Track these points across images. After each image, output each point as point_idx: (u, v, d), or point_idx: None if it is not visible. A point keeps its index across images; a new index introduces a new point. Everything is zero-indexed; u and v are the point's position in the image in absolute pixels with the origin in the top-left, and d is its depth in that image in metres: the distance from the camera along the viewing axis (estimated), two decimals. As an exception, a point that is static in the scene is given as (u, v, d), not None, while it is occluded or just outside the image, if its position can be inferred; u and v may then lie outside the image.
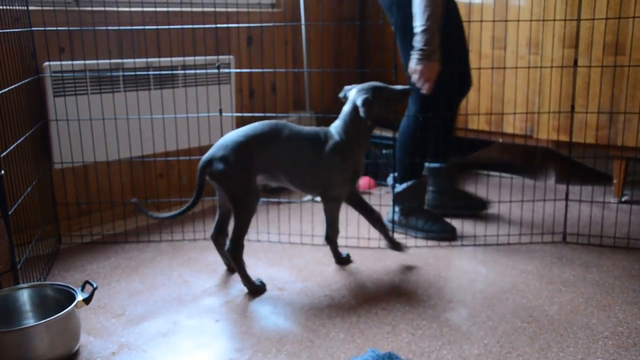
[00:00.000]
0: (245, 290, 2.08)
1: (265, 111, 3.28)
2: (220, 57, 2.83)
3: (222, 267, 2.28)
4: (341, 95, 2.24)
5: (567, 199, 2.55)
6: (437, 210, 2.72)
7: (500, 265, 2.27)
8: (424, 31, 2.26)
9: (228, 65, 2.86)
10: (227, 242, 2.10)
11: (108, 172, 2.66)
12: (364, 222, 2.65)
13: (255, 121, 3.18)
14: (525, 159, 3.48)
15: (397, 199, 2.55)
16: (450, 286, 2.10)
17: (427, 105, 2.49)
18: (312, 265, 2.30)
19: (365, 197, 3.07)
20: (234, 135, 2.08)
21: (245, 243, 2.49)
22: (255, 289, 2.08)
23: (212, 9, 2.86)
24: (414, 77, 2.35)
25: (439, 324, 1.84)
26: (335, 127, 2.17)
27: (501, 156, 3.57)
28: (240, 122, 3.10)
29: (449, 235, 2.52)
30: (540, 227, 2.63)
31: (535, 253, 2.38)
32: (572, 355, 1.66)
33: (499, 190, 3.07)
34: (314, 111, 3.53)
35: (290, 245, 2.50)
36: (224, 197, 2.14)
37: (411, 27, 2.32)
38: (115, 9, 2.61)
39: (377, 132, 3.38)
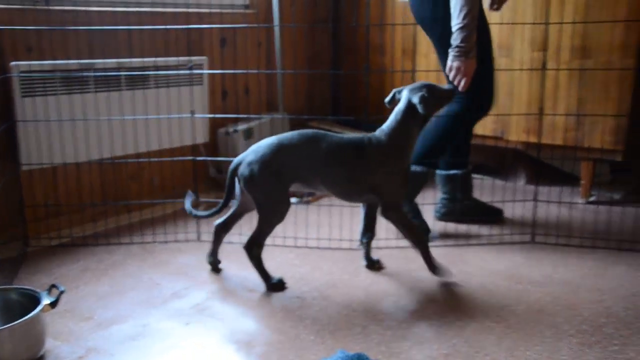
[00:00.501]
0: (215, 291, 2.08)
1: (238, 112, 3.27)
2: (193, 58, 2.82)
3: (193, 270, 2.27)
4: (387, 100, 2.21)
5: (535, 199, 2.59)
6: (448, 218, 2.76)
7: (470, 266, 2.29)
8: (461, 28, 2.27)
9: (201, 67, 2.85)
10: (246, 242, 2.11)
11: (77, 174, 2.63)
12: (335, 223, 2.66)
13: (227, 122, 3.20)
14: (496, 160, 3.53)
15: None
16: (421, 287, 2.12)
17: (476, 114, 2.57)
18: (284, 267, 2.30)
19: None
20: (269, 141, 2.06)
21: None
22: (274, 286, 2.09)
23: (185, 10, 2.85)
24: (451, 75, 2.35)
25: (409, 324, 1.86)
26: (382, 131, 2.13)
27: (473, 157, 3.60)
28: (213, 124, 3.10)
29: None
30: (509, 228, 2.67)
31: (505, 253, 2.41)
32: (538, 353, 1.69)
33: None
34: (287, 113, 3.53)
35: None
36: (246, 199, 2.13)
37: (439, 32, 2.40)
38: (85, 8, 2.58)
39: (347, 132, 3.40)
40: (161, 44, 2.79)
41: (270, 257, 2.38)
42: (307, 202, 3.06)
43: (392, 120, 2.12)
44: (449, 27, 2.32)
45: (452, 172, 2.73)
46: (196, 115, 2.60)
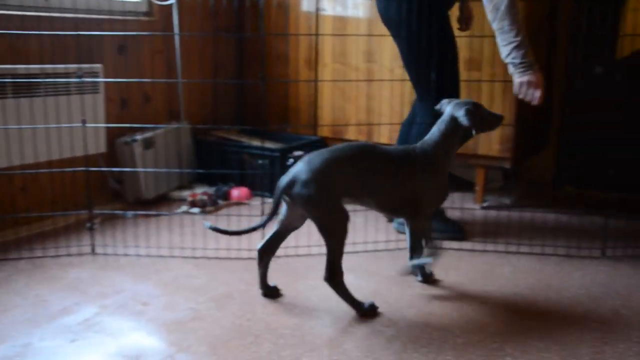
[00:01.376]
0: (106, 306, 2.01)
1: (139, 122, 3.20)
2: (84, 65, 2.72)
3: (85, 284, 2.19)
4: (437, 107, 2.22)
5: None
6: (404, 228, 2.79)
7: (366, 272, 2.34)
8: (518, 46, 2.29)
9: (97, 75, 2.77)
10: (325, 273, 1.97)
11: (-40, 187, 2.49)
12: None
13: (127, 132, 3.12)
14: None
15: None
16: (317, 294, 2.14)
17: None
18: (180, 278, 2.26)
19: (243, 208, 3.08)
20: (319, 157, 1.97)
21: (111, 258, 2.44)
22: (366, 312, 1.99)
23: (84, 16, 2.76)
24: (523, 91, 2.36)
25: (303, 332, 1.87)
26: (425, 142, 2.12)
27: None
28: (111, 133, 3.02)
29: (459, 236, 2.66)
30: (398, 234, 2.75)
31: (400, 259, 2.47)
32: (425, 354, 1.74)
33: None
34: (189, 122, 3.48)
35: (159, 259, 2.44)
36: (293, 216, 2.05)
37: (416, 42, 2.45)
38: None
39: (254, 142, 3.40)
40: (56, 51, 2.69)
41: (167, 269, 2.34)
42: (208, 212, 3.03)
43: (434, 133, 2.13)
44: (415, 28, 2.38)
45: None
46: (88, 125, 2.52)
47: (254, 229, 2.05)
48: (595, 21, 2.52)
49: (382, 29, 2.90)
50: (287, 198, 1.98)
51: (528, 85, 2.36)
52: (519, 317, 1.98)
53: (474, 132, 2.08)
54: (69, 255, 2.46)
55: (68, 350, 1.75)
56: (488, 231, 2.77)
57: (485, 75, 2.92)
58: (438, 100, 2.53)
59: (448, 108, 2.15)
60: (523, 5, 2.80)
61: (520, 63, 2.33)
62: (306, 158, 1.99)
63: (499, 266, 2.41)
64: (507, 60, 2.36)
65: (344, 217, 1.96)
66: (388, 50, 3.18)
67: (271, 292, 2.14)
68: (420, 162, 2.09)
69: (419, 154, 2.10)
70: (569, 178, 3.39)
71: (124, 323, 1.92)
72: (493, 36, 2.80)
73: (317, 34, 2.51)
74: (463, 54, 2.93)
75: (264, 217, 2.02)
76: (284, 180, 1.96)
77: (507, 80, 2.86)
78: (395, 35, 2.61)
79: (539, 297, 2.13)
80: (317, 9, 2.67)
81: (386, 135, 3.28)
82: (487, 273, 2.34)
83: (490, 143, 2.99)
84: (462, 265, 2.41)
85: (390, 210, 2.17)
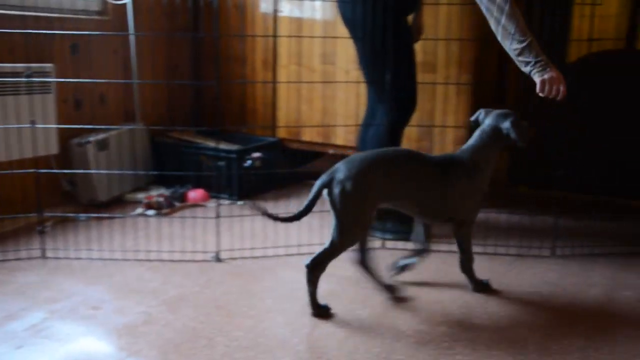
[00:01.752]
0: (55, 311, 1.97)
1: (94, 123, 3.14)
2: (38, 65, 2.67)
3: (33, 289, 2.14)
4: (473, 118, 2.20)
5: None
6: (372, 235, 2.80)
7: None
8: (528, 47, 2.25)
9: (48, 74, 2.71)
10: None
11: None
12: (189, 235, 2.63)
13: (83, 133, 3.06)
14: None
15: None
16: (271, 296, 2.14)
17: (398, 116, 2.60)
18: (133, 282, 2.23)
19: (199, 210, 3.06)
20: (359, 158, 1.99)
21: (62, 262, 2.39)
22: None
23: (33, 14, 2.69)
24: (547, 89, 2.28)
25: (256, 334, 1.87)
26: (465, 151, 2.13)
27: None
28: (65, 135, 2.95)
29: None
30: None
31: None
32: (377, 355, 1.76)
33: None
34: (146, 123, 3.44)
35: (112, 262, 2.41)
36: None
37: (372, 43, 2.49)
38: None
39: (211, 144, 3.38)
40: (2, 49, 2.62)
41: (120, 272, 2.31)
42: (164, 215, 2.99)
43: (475, 141, 2.14)
44: (372, 30, 2.41)
45: None
46: (37, 126, 2.46)
47: (291, 219, 2.04)
48: (545, 28, 2.59)
49: (339, 31, 2.92)
50: (326, 197, 1.99)
51: (550, 81, 2.29)
52: (470, 315, 2.01)
53: (520, 143, 2.10)
54: (18, 259, 2.40)
55: (13, 357, 1.71)
56: (441, 232, 2.80)
57: (439, 77, 2.96)
58: (395, 102, 2.56)
59: (488, 119, 2.16)
60: (479, 11, 2.86)
61: (536, 63, 2.29)
62: (348, 158, 2.01)
63: (452, 266, 2.44)
64: (525, 67, 2.31)
65: (365, 225, 1.98)
66: (344, 52, 3.20)
67: (395, 296, 2.14)
68: (460, 171, 2.10)
69: (460, 163, 2.12)
70: (522, 178, 3.46)
71: (73, 328, 1.88)
72: (446, 39, 2.85)
73: (274, 36, 2.51)
74: (418, 57, 2.97)
75: (301, 209, 2.01)
76: (322, 178, 1.98)
77: (461, 83, 2.92)
78: (353, 37, 2.64)
79: (490, 296, 2.17)
80: (275, 11, 2.67)
81: (342, 137, 3.29)
82: (441, 273, 2.38)
83: (444, 144, 3.03)
84: (416, 265, 2.44)
85: (432, 216, 2.18)
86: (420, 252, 2.28)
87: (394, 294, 2.13)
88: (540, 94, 2.35)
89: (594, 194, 3.23)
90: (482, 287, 2.23)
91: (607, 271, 2.42)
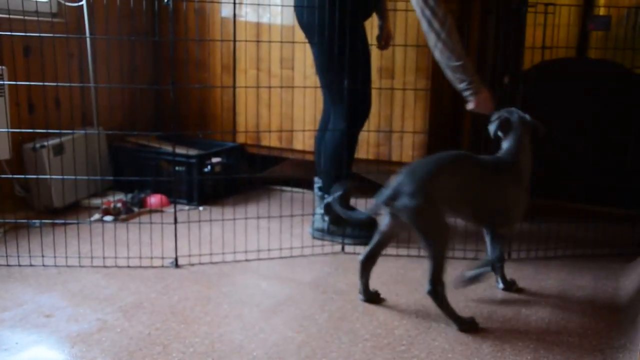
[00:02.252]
0: (5, 319, 1.92)
1: (50, 127, 3.07)
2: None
3: (-18, 297, 2.09)
4: (494, 123, 2.21)
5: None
6: (320, 234, 2.80)
7: (280, 278, 2.34)
8: (463, 66, 2.34)
9: (0, 77, 2.64)
10: (427, 284, 1.95)
11: None
12: (146, 240, 2.60)
13: (36, 137, 2.99)
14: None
15: (326, 208, 2.69)
16: (228, 302, 2.12)
17: (353, 120, 2.61)
18: (88, 288, 2.19)
19: (158, 216, 3.02)
20: (422, 167, 1.97)
21: (14, 269, 2.33)
22: (468, 327, 1.96)
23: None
24: (480, 108, 2.42)
25: (212, 340, 1.85)
26: (508, 153, 2.17)
27: (293, 172, 3.71)
28: (18, 139, 2.88)
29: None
30: (320, 240, 2.77)
31: (315, 264, 2.49)
32: (334, 359, 1.76)
33: (290, 205, 3.17)
34: (103, 128, 3.38)
35: (67, 269, 2.36)
36: (395, 226, 2.04)
37: (329, 48, 2.51)
38: None
39: (170, 149, 3.34)
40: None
41: (75, 279, 2.26)
42: (122, 220, 2.95)
43: (514, 143, 2.17)
44: (329, 35, 2.43)
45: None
46: (-11, 130, 2.40)
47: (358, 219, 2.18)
48: (500, 35, 2.65)
49: (297, 35, 2.93)
50: (389, 209, 1.99)
51: (484, 101, 2.44)
52: (424, 319, 2.03)
53: (541, 133, 2.21)
54: (-28, 266, 2.33)
55: (-40, 367, 1.66)
56: (403, 236, 2.83)
57: (397, 83, 2.99)
58: (350, 106, 2.58)
59: (512, 119, 2.20)
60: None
61: (471, 82, 2.40)
62: (408, 169, 2.00)
63: (412, 270, 2.47)
64: (459, 85, 2.42)
65: (448, 226, 1.98)
66: (302, 57, 3.21)
67: (373, 298, 2.16)
68: (509, 172, 2.14)
69: (507, 163, 2.16)
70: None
71: (24, 337, 1.83)
72: (404, 45, 2.88)
73: (234, 40, 2.50)
74: (376, 62, 3.01)
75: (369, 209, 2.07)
76: (386, 192, 1.97)
77: (419, 89, 2.96)
78: (310, 41, 2.65)
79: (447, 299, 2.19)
80: (235, 15, 2.66)
81: (302, 142, 3.30)
82: (400, 277, 2.40)
83: (403, 149, 3.06)
84: (375, 270, 2.44)
85: (482, 219, 2.19)
86: (489, 262, 2.24)
87: (372, 298, 2.17)
88: (471, 110, 2.47)
89: (548, 198, 3.31)
90: (511, 285, 2.30)
91: (560, 273, 2.48)
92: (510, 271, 2.47)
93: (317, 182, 2.81)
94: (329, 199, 2.63)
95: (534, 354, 1.82)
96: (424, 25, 2.39)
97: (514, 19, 2.81)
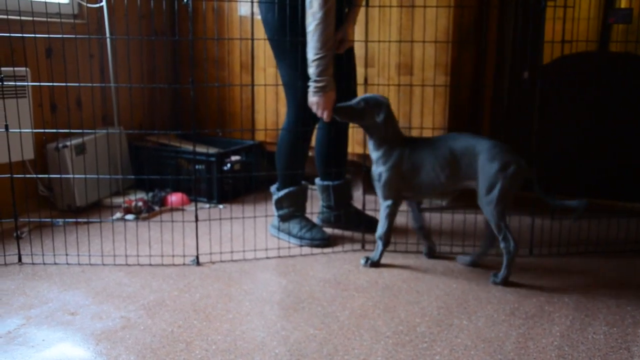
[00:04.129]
0: (32, 317, 1.95)
1: (71, 127, 3.11)
2: (11, 68, 2.63)
3: (10, 295, 2.12)
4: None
5: (364, 208, 2.72)
6: (329, 225, 2.82)
7: (300, 276, 2.35)
8: (316, 61, 2.30)
9: (23, 78, 2.68)
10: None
11: None
12: (167, 239, 2.61)
13: (61, 138, 3.03)
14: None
15: (276, 205, 2.69)
16: (250, 299, 2.14)
17: (301, 119, 2.58)
18: (111, 286, 2.22)
19: (179, 214, 3.05)
20: (497, 142, 2.28)
21: (39, 267, 2.37)
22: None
23: (0, 17, 2.66)
24: (313, 109, 2.41)
25: (234, 337, 1.86)
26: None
27: (312, 169, 3.70)
28: (42, 139, 2.92)
29: (320, 243, 2.63)
30: (342, 237, 2.77)
31: (335, 262, 2.49)
32: (356, 356, 1.76)
33: (310, 202, 3.17)
34: (123, 127, 3.41)
35: (90, 267, 2.39)
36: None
37: (281, 42, 2.47)
38: None
39: (190, 147, 3.36)
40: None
41: (98, 277, 2.29)
42: (143, 219, 2.97)
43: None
44: (283, 34, 2.41)
45: (326, 182, 2.83)
46: (12, 130, 2.43)
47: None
48: (519, 29, 2.62)
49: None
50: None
51: (317, 105, 2.42)
52: (449, 316, 2.03)
53: None
54: (4, 264, 2.37)
55: (-12, 364, 1.69)
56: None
57: (416, 79, 2.98)
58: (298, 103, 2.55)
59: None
60: (454, 14, 2.88)
61: (315, 82, 2.36)
62: (489, 145, 2.26)
63: (432, 267, 2.46)
64: (311, 70, 2.37)
65: None
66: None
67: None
68: None
69: None
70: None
71: (50, 334, 1.86)
72: (423, 41, 2.87)
73: (252, 39, 2.49)
74: (394, 59, 3.00)
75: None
76: (516, 165, 2.24)
77: (438, 85, 2.94)
78: (269, 38, 2.59)
79: (469, 296, 2.18)
80: (252, 14, 2.67)
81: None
82: (420, 274, 2.39)
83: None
84: (394, 267, 2.45)
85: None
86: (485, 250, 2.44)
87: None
88: (310, 104, 2.44)
89: (570, 194, 3.28)
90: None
91: (583, 270, 2.45)
92: (533, 268, 2.45)
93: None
94: (277, 195, 2.69)
95: (558, 351, 1.81)
96: (306, 2, 2.34)
97: (533, 12, 2.78)
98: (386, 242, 2.45)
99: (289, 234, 2.69)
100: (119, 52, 3.38)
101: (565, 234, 2.75)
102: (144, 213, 3.03)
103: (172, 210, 3.15)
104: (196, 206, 2.52)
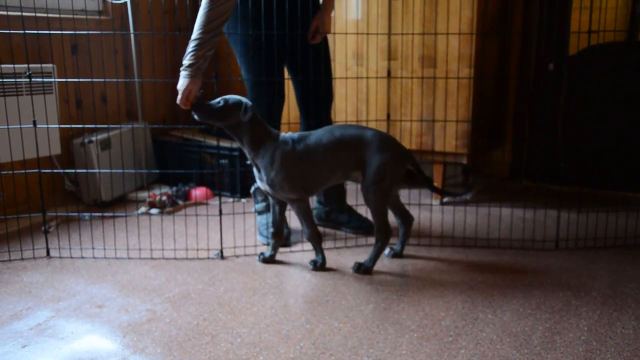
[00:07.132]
0: (60, 309, 1.98)
1: (96, 123, 3.15)
2: (39, 65, 2.67)
3: (39, 288, 2.16)
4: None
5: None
6: (322, 223, 2.80)
7: (324, 269, 2.35)
8: (198, 40, 2.18)
9: (49, 75, 2.71)
10: None
11: None
12: (192, 233, 2.63)
13: (86, 133, 3.06)
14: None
15: (253, 197, 2.72)
16: (274, 292, 2.14)
17: (269, 115, 2.59)
18: (137, 280, 2.24)
19: (203, 208, 3.07)
20: (384, 132, 2.30)
21: (66, 261, 2.41)
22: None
23: (31, 14, 2.69)
24: (178, 95, 2.25)
25: (259, 330, 1.87)
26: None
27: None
28: (67, 134, 2.96)
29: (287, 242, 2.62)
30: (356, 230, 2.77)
31: (359, 256, 2.49)
32: (381, 350, 1.76)
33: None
34: (147, 122, 3.44)
35: (116, 261, 2.42)
36: None
37: (238, 40, 2.47)
38: None
39: (213, 142, 3.38)
40: (1, 50, 2.63)
41: (124, 271, 2.32)
42: (168, 213, 3.00)
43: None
44: (248, 29, 2.44)
45: None
46: (39, 126, 2.47)
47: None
48: (544, 19, 2.57)
49: (339, 26, 2.91)
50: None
51: (179, 90, 2.23)
52: (474, 310, 2.01)
53: None
54: (22, 259, 2.41)
55: (18, 355, 1.72)
56: (446, 226, 2.81)
57: (440, 72, 2.95)
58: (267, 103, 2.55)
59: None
60: (478, 5, 2.85)
61: (189, 65, 2.22)
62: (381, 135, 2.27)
63: (456, 260, 2.45)
64: (187, 52, 2.25)
65: None
66: (343, 49, 3.19)
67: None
68: None
69: None
70: (525, 172, 3.46)
71: (78, 326, 1.89)
72: (446, 33, 2.84)
73: (275, 32, 2.50)
74: (418, 51, 2.97)
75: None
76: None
77: (462, 77, 2.91)
78: (231, 33, 2.55)
79: (494, 289, 2.17)
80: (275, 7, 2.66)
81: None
82: (444, 267, 2.37)
83: (446, 139, 3.03)
84: (419, 260, 2.44)
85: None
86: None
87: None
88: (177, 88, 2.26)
89: (598, 187, 3.23)
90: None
91: (611, 264, 2.41)
92: (559, 261, 2.42)
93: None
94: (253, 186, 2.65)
95: (585, 345, 1.78)
96: None
97: (558, 2, 2.74)
98: (319, 240, 2.35)
99: (259, 229, 2.66)
100: (143, 47, 3.41)
101: (592, 227, 2.71)
102: (168, 207, 3.06)
103: (196, 204, 3.17)
104: (220, 200, 2.53)
